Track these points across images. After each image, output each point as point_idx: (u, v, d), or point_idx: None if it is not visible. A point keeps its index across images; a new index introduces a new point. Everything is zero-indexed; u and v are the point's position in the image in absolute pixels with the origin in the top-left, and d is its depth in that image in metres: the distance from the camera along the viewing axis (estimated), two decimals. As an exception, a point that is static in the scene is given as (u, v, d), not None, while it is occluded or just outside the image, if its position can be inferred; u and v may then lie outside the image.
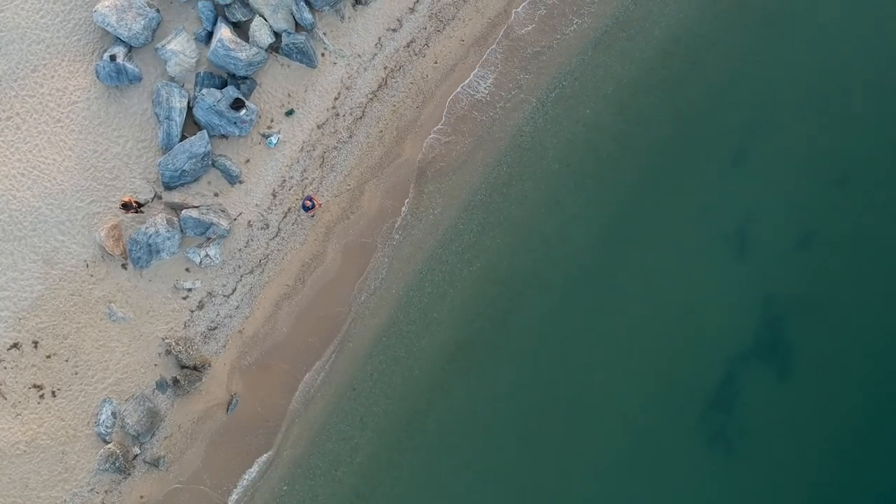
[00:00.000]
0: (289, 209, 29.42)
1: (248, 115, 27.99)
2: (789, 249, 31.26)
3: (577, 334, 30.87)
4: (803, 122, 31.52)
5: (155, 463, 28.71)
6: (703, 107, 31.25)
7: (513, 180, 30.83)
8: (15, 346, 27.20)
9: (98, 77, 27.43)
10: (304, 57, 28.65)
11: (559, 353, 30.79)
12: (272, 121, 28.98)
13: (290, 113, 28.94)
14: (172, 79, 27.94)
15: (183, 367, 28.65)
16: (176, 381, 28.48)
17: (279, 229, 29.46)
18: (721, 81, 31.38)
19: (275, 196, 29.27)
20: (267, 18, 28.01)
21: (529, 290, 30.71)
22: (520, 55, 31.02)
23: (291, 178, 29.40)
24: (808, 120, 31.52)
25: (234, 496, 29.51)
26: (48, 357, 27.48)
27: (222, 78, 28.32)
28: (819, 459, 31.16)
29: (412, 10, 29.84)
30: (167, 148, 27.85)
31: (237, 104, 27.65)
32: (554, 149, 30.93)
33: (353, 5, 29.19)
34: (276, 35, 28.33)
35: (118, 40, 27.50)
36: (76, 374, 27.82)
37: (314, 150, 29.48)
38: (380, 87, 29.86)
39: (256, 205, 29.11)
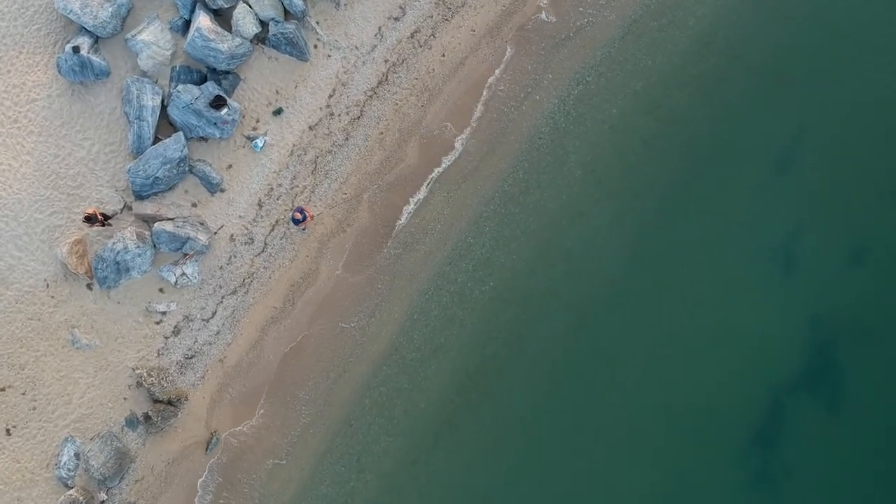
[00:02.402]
0: (277, 221, 27.19)
1: (230, 115, 25.80)
2: (840, 266, 29.26)
3: (603, 361, 28.85)
4: (856, 124, 29.26)
5: (123, 511, 26.38)
6: (743, 106, 29.23)
7: (530, 188, 28.85)
8: (-36, 377, 25.04)
9: (60, 71, 25.23)
10: (295, 49, 26.41)
11: (582, 382, 28.77)
12: (258, 121, 26.76)
13: (278, 112, 26.79)
14: (144, 73, 25.80)
15: (156, 401, 26.48)
16: (148, 417, 26.28)
17: (266, 244, 27.20)
18: (764, 78, 29.25)
19: (261, 206, 27.01)
20: (252, 5, 25.79)
21: (549, 311, 28.77)
22: (538, 47, 28.77)
23: (280, 186, 27.13)
24: (861, 122, 29.26)
25: (214, 547, 27.24)
26: (2, 390, 25.35)
27: (201, 72, 26.13)
28: (873, 502, 28.99)
29: (417, -5, 27.73)
30: (138, 152, 25.68)
31: (218, 102, 25.52)
32: (576, 153, 28.93)
33: (350, -10, 26.97)
34: (263, 24, 26.14)
35: (83, 30, 25.37)
36: (34, 409, 25.61)
37: (306, 154, 27.21)
38: (380, 83, 27.60)
39: (240, 216, 26.86)
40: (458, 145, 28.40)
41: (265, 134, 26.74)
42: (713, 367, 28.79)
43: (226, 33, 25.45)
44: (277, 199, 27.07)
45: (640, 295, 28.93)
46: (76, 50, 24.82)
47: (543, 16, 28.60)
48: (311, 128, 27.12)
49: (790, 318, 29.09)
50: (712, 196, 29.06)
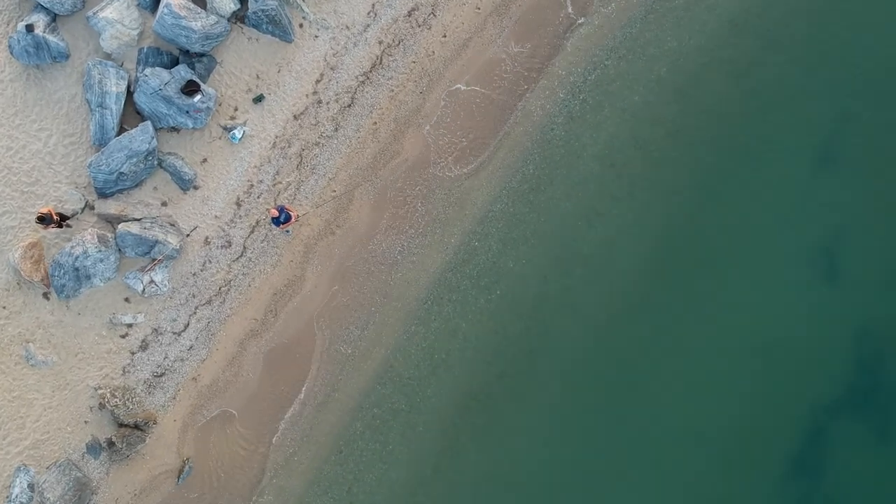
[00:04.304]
0: (257, 222, 25.14)
1: (204, 102, 23.70)
2: (889, 273, 27.43)
3: (624, 379, 27.05)
4: (906, 112, 27.45)
5: (83, 549, 24.09)
6: (779, 94, 27.29)
7: (542, 185, 27.06)
8: None
9: (12, 53, 23.02)
10: (277, 28, 24.32)
11: (601, 403, 27.00)
12: (236, 109, 24.70)
13: (258, 99, 24.81)
14: (108, 56, 23.67)
15: (121, 424, 24.46)
16: (111, 442, 24.26)
17: (245, 248, 25.14)
18: (802, 61, 27.33)
19: (239, 205, 24.88)
20: (229, -21, 23.58)
21: (563, 323, 27.07)
22: (550, 27, 26.75)
23: (261, 182, 25.00)
24: (911, 110, 27.43)
25: (186, 590, 25.13)
26: (-53, 413, 23.14)
27: (172, 55, 24.00)
28: (928, 537, 26.93)
29: (414, -33, 25.55)
30: (101, 144, 23.55)
31: (191, 88, 23.47)
32: (593, 145, 27.10)
33: (340, -37, 24.77)
34: (241, 0, 24.01)
35: (39, 6, 23.17)
36: (-18, 434, 23.47)
37: (290, 146, 25.13)
38: (373, 67, 25.55)
39: (216, 217, 24.76)
40: (462, 135, 26.32)
41: (244, 124, 24.65)
42: (748, 385, 27.08)
43: (199, 10, 23.22)
44: (258, 198, 24.88)
45: (666, 305, 27.19)
46: (30, 29, 22.55)
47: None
48: (295, 117, 25.00)
49: (833, 331, 27.44)
50: (745, 194, 27.27)
